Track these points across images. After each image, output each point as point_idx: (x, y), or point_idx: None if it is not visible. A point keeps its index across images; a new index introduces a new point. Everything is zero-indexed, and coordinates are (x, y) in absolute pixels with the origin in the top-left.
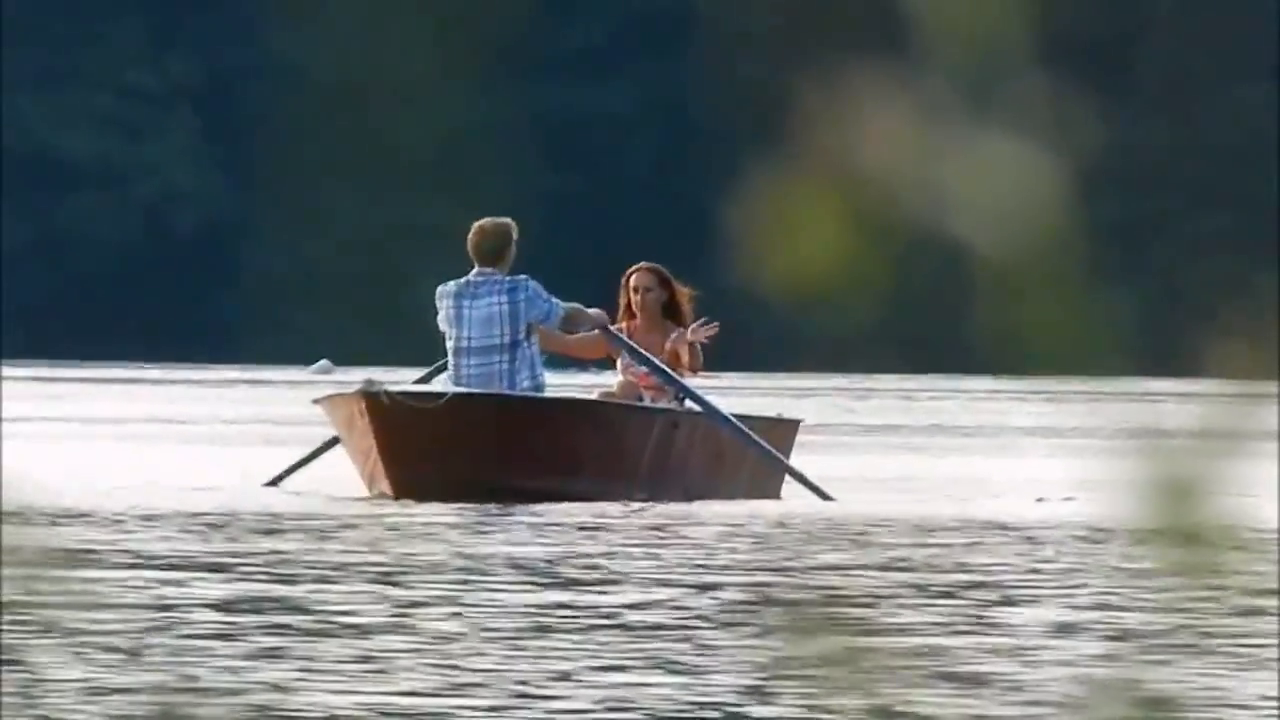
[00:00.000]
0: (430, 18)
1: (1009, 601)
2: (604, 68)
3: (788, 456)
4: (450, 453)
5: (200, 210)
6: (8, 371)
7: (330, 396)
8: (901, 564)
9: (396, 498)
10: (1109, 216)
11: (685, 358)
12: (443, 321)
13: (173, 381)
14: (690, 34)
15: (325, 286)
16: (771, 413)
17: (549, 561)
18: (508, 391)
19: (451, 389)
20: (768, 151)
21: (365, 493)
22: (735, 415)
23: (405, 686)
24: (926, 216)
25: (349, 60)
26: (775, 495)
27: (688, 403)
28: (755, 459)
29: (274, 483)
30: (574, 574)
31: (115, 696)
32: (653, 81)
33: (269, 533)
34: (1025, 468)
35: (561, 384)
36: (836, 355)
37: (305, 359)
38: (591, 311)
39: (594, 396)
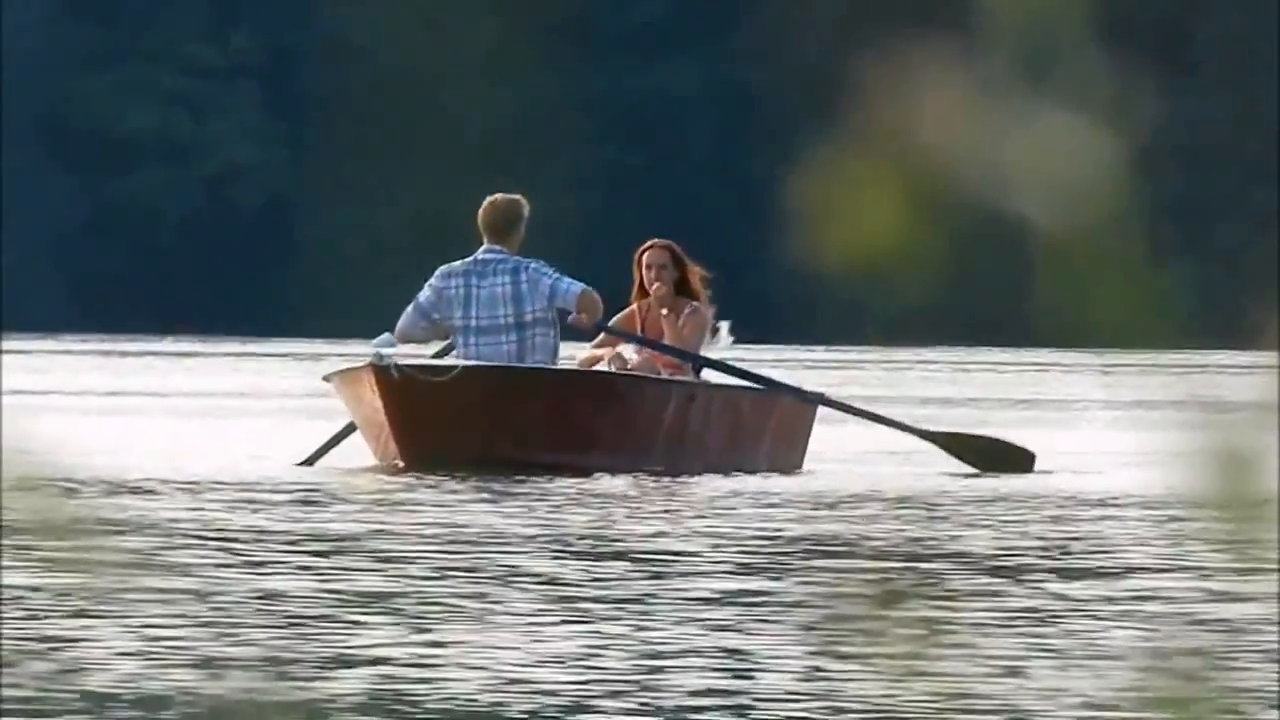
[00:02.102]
0: None
1: (1071, 572)
2: (665, 45)
3: (809, 430)
4: (462, 426)
5: (263, 185)
6: (70, 345)
7: (340, 371)
8: (968, 536)
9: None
10: (1170, 192)
11: (686, 331)
12: (449, 301)
13: (235, 355)
14: (751, 10)
15: (387, 261)
16: (793, 384)
17: (577, 536)
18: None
19: (463, 362)
20: (828, 128)
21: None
22: (756, 389)
23: (413, 655)
24: (987, 192)
25: (410, 36)
26: (797, 467)
27: (704, 375)
28: (778, 429)
29: (308, 463)
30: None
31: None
32: (714, 58)
33: (322, 506)
34: (1084, 440)
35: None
36: (896, 329)
37: (367, 333)
38: (587, 294)
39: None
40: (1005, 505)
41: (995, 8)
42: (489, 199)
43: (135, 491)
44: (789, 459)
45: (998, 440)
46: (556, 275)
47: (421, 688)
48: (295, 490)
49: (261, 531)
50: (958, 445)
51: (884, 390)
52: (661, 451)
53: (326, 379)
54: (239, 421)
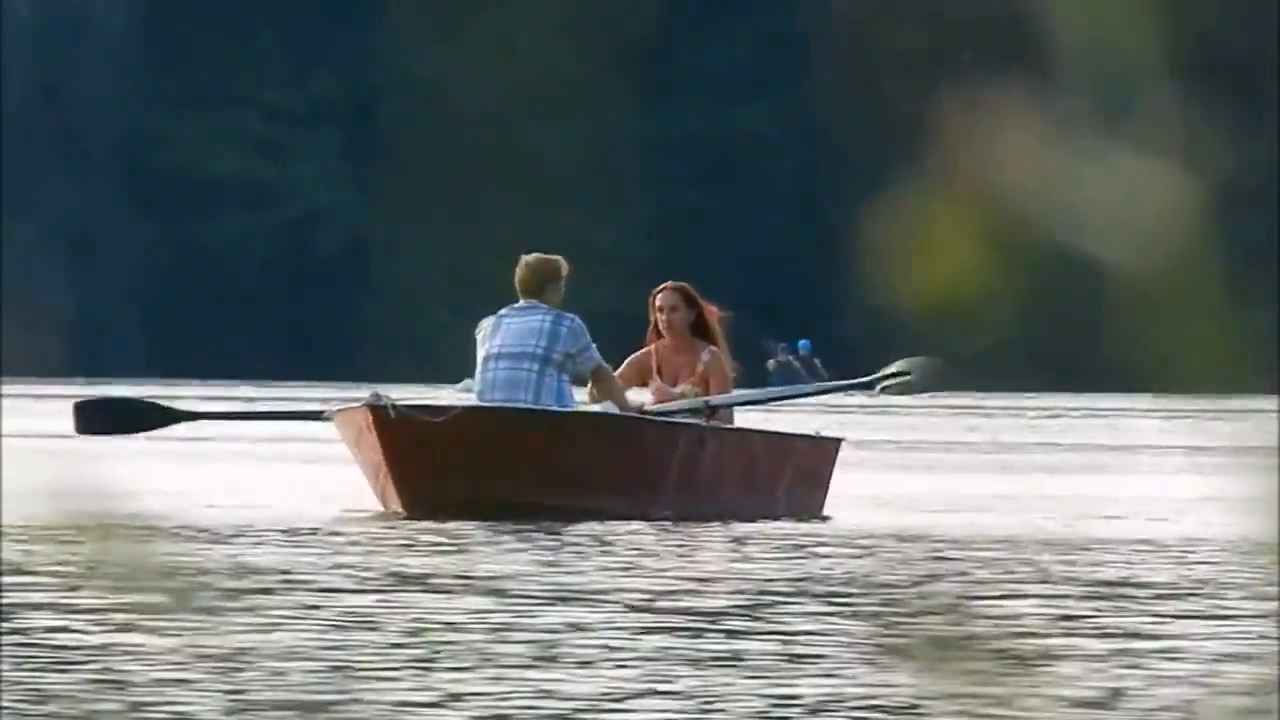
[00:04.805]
0: (571, 35)
1: (1150, 618)
2: (746, 87)
3: (829, 477)
4: (460, 468)
5: (344, 229)
6: (152, 390)
7: (339, 410)
8: (1042, 583)
9: (408, 514)
10: (1249, 235)
11: (714, 381)
12: (479, 342)
13: (317, 399)
14: (829, 53)
15: (469, 304)
16: (810, 430)
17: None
18: (525, 403)
19: (462, 402)
20: (906, 170)
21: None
22: (770, 432)
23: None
24: (1064, 234)
25: (490, 79)
26: (817, 512)
27: (718, 419)
28: (796, 472)
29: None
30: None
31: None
32: (793, 100)
33: (401, 550)
34: (1160, 486)
35: None
36: (973, 372)
37: (449, 377)
38: (604, 368)
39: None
40: (1093, 552)
41: (1073, 50)
42: (524, 259)
43: (212, 535)
44: (809, 503)
45: (909, 366)
46: (591, 342)
47: None
48: (371, 535)
49: (333, 573)
50: (885, 381)
51: (957, 436)
52: (671, 496)
53: (328, 417)
54: (320, 467)
